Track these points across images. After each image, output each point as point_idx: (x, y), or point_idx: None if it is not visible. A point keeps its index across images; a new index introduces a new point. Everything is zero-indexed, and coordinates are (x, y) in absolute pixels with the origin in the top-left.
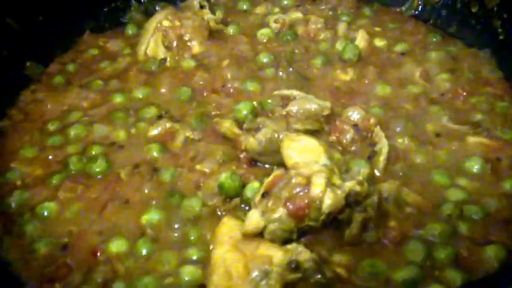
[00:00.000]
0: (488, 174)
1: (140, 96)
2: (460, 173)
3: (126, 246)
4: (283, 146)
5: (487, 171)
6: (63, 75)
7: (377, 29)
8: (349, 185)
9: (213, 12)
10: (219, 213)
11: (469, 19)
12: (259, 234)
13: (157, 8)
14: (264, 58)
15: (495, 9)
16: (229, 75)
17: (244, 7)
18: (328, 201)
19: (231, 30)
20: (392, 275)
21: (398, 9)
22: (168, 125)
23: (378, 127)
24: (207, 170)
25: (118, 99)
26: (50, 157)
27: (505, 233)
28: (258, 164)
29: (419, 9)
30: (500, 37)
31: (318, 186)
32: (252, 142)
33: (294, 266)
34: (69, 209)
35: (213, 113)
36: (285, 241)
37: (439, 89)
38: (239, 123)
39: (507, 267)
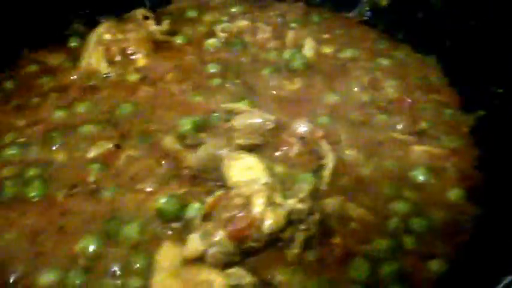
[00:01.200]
0: (434, 184)
1: (81, 112)
2: (405, 184)
3: (56, 277)
4: (223, 166)
5: (432, 181)
6: (1, 94)
7: (325, 35)
8: (291, 203)
9: (158, 23)
10: (160, 237)
11: (416, 25)
12: (200, 259)
13: (101, 20)
14: (211, 69)
15: (441, 14)
16: (174, 88)
17: (192, 15)
18: (269, 221)
19: (178, 41)
20: None
21: (347, 15)
22: (109, 143)
23: (325, 140)
24: (148, 190)
25: (57, 116)
26: None
27: (448, 246)
28: (201, 180)
29: (368, 15)
30: (447, 43)
31: (257, 206)
32: (192, 159)
33: None
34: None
35: (155, 128)
36: (227, 264)
37: (387, 97)
38: (182, 139)
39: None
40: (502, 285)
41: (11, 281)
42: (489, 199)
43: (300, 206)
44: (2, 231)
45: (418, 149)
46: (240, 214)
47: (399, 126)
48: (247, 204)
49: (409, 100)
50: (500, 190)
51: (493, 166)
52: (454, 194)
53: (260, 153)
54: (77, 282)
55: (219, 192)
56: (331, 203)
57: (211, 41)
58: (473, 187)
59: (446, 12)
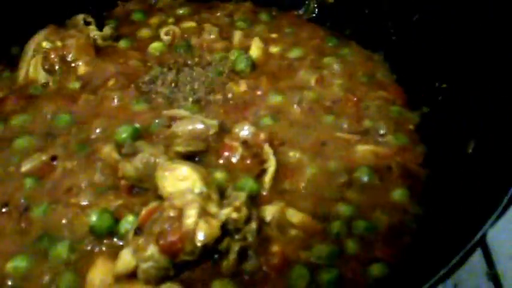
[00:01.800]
0: (378, 185)
1: (17, 124)
2: (349, 186)
3: None
4: (157, 176)
5: (376, 181)
6: None
7: (273, 35)
8: (225, 212)
9: (101, 27)
10: (93, 254)
11: (363, 21)
12: (133, 275)
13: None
14: (154, 74)
15: (386, 9)
16: (116, 96)
17: (138, 18)
18: (202, 233)
19: (122, 46)
20: None
21: (296, 13)
22: (44, 155)
23: (267, 144)
24: (83, 203)
25: None
26: None
27: (390, 248)
28: (138, 191)
29: (316, 12)
30: (393, 38)
31: (189, 218)
32: (128, 168)
33: None
34: None
35: (94, 138)
36: (161, 279)
37: (333, 96)
38: (120, 148)
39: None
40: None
41: None
42: (432, 198)
43: (235, 215)
44: None
45: (363, 149)
46: (172, 227)
47: (344, 126)
48: (179, 216)
49: (355, 98)
50: (444, 188)
51: (437, 163)
52: (398, 194)
53: (202, 160)
54: None
55: (151, 205)
56: (271, 210)
57: (155, 45)
58: (417, 186)
59: (391, 7)
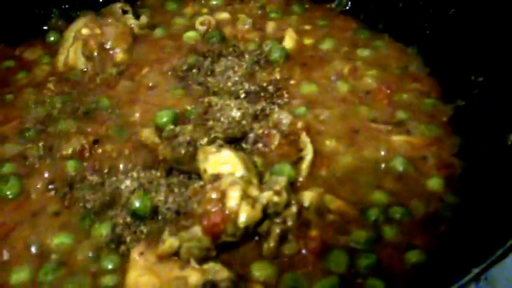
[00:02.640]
0: (413, 174)
1: (58, 108)
2: (385, 174)
3: (28, 275)
4: (198, 160)
5: (411, 170)
6: None
7: (306, 27)
8: (266, 196)
9: (137, 16)
10: (133, 235)
11: (397, 15)
12: (175, 254)
13: (78, 14)
14: (190, 62)
15: (421, 3)
16: (152, 83)
17: (172, 8)
18: (244, 215)
19: (157, 34)
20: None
21: (328, 6)
22: (86, 138)
23: (304, 132)
24: (123, 186)
25: (33, 112)
26: None
27: (427, 236)
28: (177, 174)
29: (349, 5)
30: (427, 32)
31: (232, 200)
32: (169, 150)
33: (210, 286)
34: None
35: (133, 122)
36: (203, 259)
37: (366, 87)
38: (160, 132)
39: (423, 273)
40: (470, 276)
41: None
42: (468, 188)
43: (276, 198)
44: None
45: (397, 139)
46: (215, 208)
47: (378, 116)
48: (222, 198)
49: (388, 90)
50: (480, 179)
51: (472, 155)
52: (433, 183)
53: (239, 146)
54: (49, 278)
55: (193, 186)
56: (309, 195)
57: (190, 34)
58: (452, 176)
59: (426, 1)
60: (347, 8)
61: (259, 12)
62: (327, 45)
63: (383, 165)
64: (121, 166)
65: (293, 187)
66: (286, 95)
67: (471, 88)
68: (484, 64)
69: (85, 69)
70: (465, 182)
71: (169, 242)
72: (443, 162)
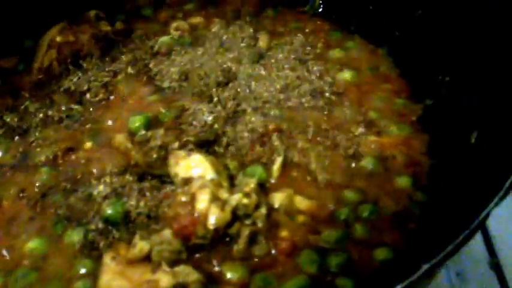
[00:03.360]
0: (383, 172)
1: (32, 115)
2: (356, 174)
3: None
4: (169, 164)
5: (381, 169)
6: None
7: (280, 29)
8: (236, 198)
9: (112, 22)
10: (106, 240)
11: (367, 17)
12: (146, 258)
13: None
14: (163, 67)
15: (390, 5)
16: (126, 87)
17: (147, 13)
18: (213, 217)
19: (133, 39)
20: (282, 287)
21: (301, 9)
22: (61, 145)
23: (275, 134)
24: (95, 192)
25: (8, 119)
26: None
27: (395, 233)
28: (149, 178)
29: (321, 8)
30: (396, 33)
31: (201, 202)
32: (140, 155)
33: None
34: None
35: (107, 127)
36: (174, 262)
37: (338, 87)
38: (133, 137)
39: (390, 270)
40: (421, 272)
41: None
42: (436, 186)
43: (245, 200)
44: None
45: (368, 139)
46: (185, 211)
47: (349, 117)
48: (191, 201)
49: (360, 90)
50: (447, 176)
51: (440, 153)
52: (402, 181)
53: (211, 149)
54: (24, 283)
55: (164, 190)
56: (279, 197)
57: (164, 39)
58: (421, 174)
59: (394, 3)
60: (319, 10)
61: (233, 15)
62: (299, 46)
63: (353, 165)
64: (94, 171)
65: (265, 188)
66: (258, 97)
67: (439, 88)
68: (450, 64)
69: (59, 76)
70: (433, 180)
71: (140, 245)
72: (412, 161)
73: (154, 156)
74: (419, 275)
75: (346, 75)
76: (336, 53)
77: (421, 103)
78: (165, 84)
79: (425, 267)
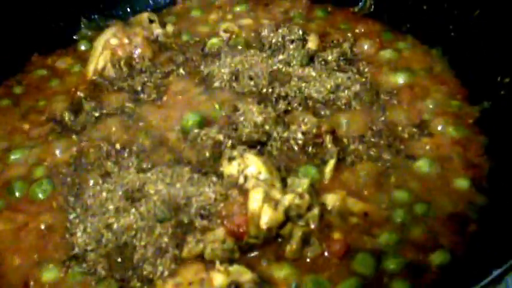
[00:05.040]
0: (439, 174)
1: (89, 113)
2: (410, 175)
3: (57, 274)
4: (222, 164)
5: (437, 171)
6: (10, 98)
7: (330, 30)
8: (288, 198)
9: (163, 25)
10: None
11: (421, 17)
12: (200, 256)
13: (108, 24)
14: (213, 68)
15: (446, 5)
16: (177, 88)
17: (196, 15)
18: (266, 217)
19: (182, 42)
20: None
21: (351, 9)
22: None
23: (329, 135)
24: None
25: (65, 117)
26: None
27: (452, 235)
28: (202, 176)
29: (372, 9)
30: (452, 34)
31: (254, 202)
32: (193, 153)
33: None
34: (4, 238)
35: (158, 125)
36: (227, 260)
37: (392, 89)
38: (185, 135)
39: (448, 273)
40: (491, 278)
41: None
42: (496, 188)
43: (298, 201)
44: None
45: (422, 140)
46: (238, 210)
47: (403, 118)
48: (245, 200)
49: (413, 92)
50: (507, 179)
51: (499, 155)
52: (460, 183)
53: (263, 149)
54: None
55: (217, 189)
56: (332, 198)
57: (214, 41)
58: (480, 176)
59: (451, 3)
60: (370, 11)
61: (282, 17)
62: (351, 47)
63: (408, 166)
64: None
65: (317, 190)
66: (308, 98)
67: (497, 89)
68: (509, 65)
69: (113, 77)
70: (493, 182)
71: (194, 243)
72: (470, 163)
73: (207, 154)
74: (488, 281)
75: (399, 76)
76: (387, 54)
77: (478, 105)
78: (216, 85)
79: (495, 273)
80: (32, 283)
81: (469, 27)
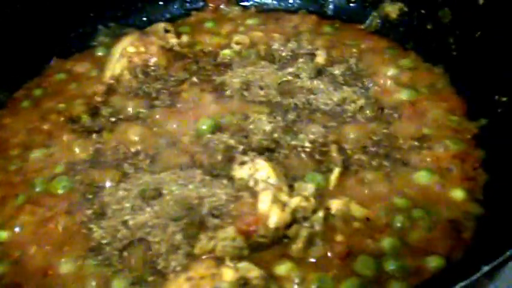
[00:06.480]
0: (437, 185)
1: (106, 116)
2: (409, 185)
3: (74, 265)
4: (234, 168)
5: (435, 182)
6: (30, 100)
7: (337, 45)
8: (295, 200)
9: (178, 35)
10: None
11: (425, 36)
12: (210, 252)
13: (124, 31)
14: (226, 77)
15: (448, 26)
16: (190, 96)
17: (210, 27)
18: (274, 217)
19: (196, 52)
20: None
21: (358, 27)
22: (133, 148)
23: (335, 145)
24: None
25: (84, 120)
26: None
27: (448, 240)
28: (213, 178)
29: (379, 26)
30: (454, 53)
31: (263, 203)
32: (205, 157)
33: (243, 283)
34: (26, 229)
35: (172, 130)
36: (236, 258)
37: (395, 103)
38: (198, 139)
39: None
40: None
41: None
42: (491, 200)
43: (304, 203)
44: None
45: (422, 152)
46: (248, 211)
47: (404, 132)
48: (255, 201)
49: (415, 107)
50: (502, 192)
51: (495, 169)
52: (457, 193)
53: (271, 155)
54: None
55: (229, 191)
56: (336, 203)
57: (226, 51)
58: (476, 188)
59: (454, 24)
60: (376, 29)
61: (292, 31)
62: (357, 62)
63: (408, 176)
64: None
65: (322, 195)
66: (316, 109)
67: (495, 107)
68: (507, 85)
69: (129, 84)
70: (488, 194)
71: (206, 241)
72: (467, 175)
73: (219, 158)
74: (478, 276)
75: (402, 92)
76: (391, 70)
77: (476, 121)
78: (227, 93)
79: (485, 268)
80: (50, 273)
81: (470, 47)
